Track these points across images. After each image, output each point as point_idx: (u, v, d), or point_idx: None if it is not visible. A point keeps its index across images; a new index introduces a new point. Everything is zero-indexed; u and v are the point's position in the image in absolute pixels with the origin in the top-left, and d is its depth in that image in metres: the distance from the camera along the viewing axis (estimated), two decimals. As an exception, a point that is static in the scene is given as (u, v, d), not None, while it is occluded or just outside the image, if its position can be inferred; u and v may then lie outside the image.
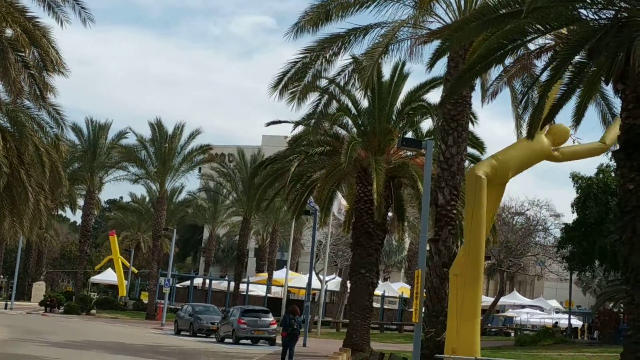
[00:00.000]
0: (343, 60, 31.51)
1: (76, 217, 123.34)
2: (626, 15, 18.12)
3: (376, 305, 70.92)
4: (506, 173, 23.48)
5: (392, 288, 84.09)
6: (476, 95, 29.49)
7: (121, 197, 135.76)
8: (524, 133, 24.51)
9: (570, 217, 57.88)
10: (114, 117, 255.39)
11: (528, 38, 19.36)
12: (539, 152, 23.80)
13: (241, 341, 44.89)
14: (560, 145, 24.05)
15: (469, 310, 19.63)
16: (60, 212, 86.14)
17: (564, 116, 24.40)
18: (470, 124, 30.54)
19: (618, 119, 24.81)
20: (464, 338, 19.87)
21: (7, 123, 38.19)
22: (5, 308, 68.00)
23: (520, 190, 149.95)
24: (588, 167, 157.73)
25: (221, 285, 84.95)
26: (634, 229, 17.37)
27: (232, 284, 77.06)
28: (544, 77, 19.58)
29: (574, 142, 25.34)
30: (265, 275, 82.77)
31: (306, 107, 33.49)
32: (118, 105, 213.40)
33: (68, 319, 62.05)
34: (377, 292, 71.32)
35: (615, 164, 19.17)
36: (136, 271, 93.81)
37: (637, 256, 17.26)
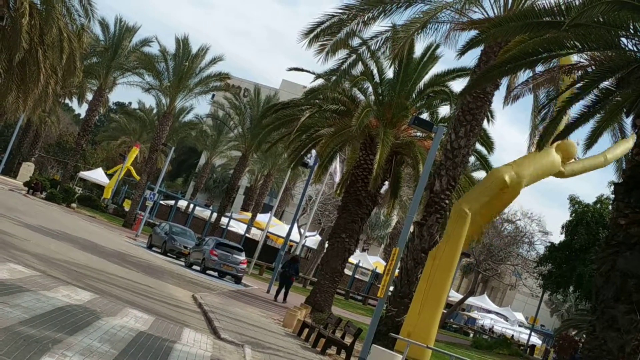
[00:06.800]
0: (379, 26, 31.34)
1: (81, 110, 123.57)
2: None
3: (348, 272, 71.30)
4: (519, 181, 23.45)
5: (368, 260, 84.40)
6: (500, 96, 29.37)
7: (130, 103, 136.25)
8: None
9: (557, 237, 57.96)
10: (142, 23, 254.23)
11: (563, 51, 19.25)
12: (550, 166, 23.75)
13: (208, 271, 45.13)
14: (568, 160, 24.01)
15: (434, 298, 19.73)
16: (67, 101, 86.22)
17: (577, 137, 24.41)
18: (485, 121, 30.47)
19: (622, 140, 24.89)
20: (422, 324, 19.98)
21: (38, 0, 38.12)
22: (-10, 179, 68.31)
23: (517, 200, 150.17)
24: (588, 192, 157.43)
25: (204, 213, 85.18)
26: (613, 263, 17.39)
27: (215, 214, 77.32)
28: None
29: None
30: (248, 214, 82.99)
31: (331, 62, 33.42)
32: (150, 12, 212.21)
33: (48, 206, 62.30)
34: (353, 260, 71.81)
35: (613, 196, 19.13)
36: (138, 178, 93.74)
37: (608, 290, 17.30)
